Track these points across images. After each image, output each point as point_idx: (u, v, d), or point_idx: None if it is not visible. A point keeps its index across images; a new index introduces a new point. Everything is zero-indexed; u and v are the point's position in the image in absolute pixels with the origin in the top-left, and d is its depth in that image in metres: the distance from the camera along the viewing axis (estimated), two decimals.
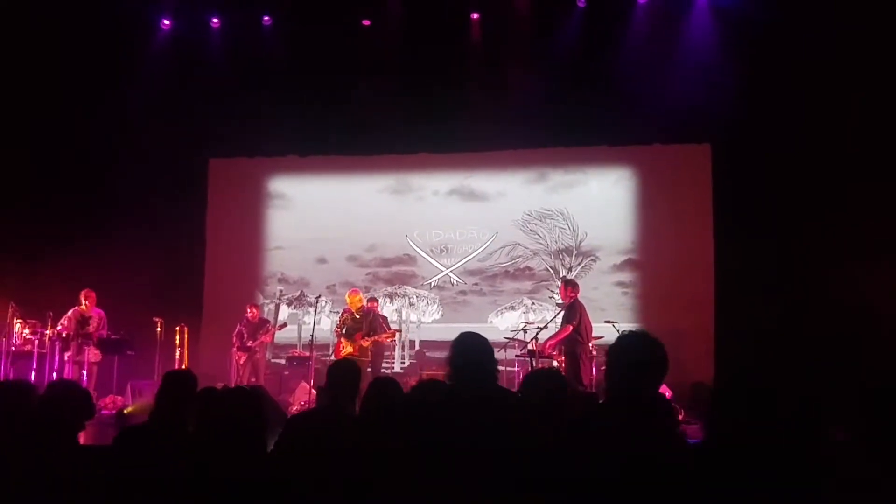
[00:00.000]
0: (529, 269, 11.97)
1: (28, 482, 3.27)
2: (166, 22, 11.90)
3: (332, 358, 9.97)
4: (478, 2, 11.50)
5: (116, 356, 10.65)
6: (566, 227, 11.88)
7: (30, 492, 3.24)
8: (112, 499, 3.32)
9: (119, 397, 10.35)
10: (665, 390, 8.95)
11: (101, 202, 11.86)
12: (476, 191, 12.19)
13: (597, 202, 11.82)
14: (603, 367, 9.75)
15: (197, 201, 12.30)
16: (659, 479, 2.47)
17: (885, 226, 9.81)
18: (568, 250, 11.86)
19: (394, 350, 11.77)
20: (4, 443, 3.40)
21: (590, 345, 9.27)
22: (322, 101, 11.64)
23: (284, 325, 11.32)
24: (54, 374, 10.14)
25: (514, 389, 9.90)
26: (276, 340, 11.52)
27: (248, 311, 10.97)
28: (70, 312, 10.41)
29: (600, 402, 3.03)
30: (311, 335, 10.16)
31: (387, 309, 11.82)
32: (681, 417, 8.88)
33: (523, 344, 9.84)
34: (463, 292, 12.13)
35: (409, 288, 12.18)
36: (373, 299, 10.84)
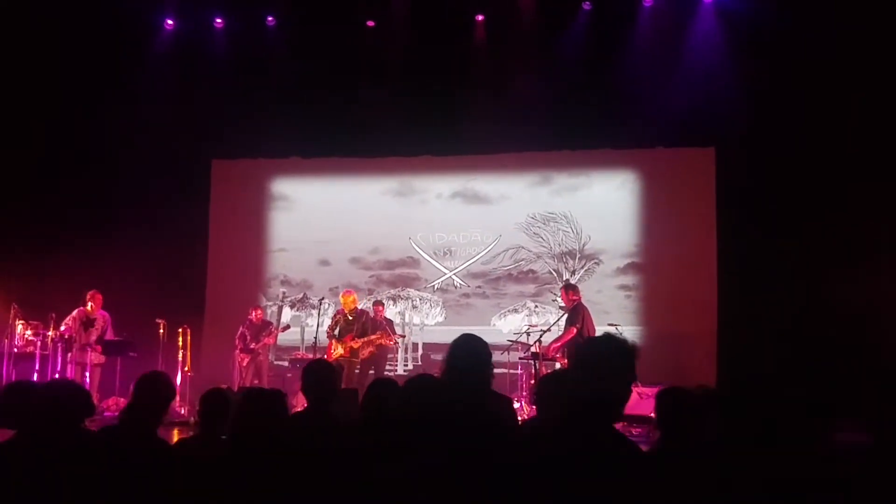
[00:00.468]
0: (533, 272, 11.95)
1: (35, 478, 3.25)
2: (170, 22, 11.91)
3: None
4: (483, 3, 11.49)
5: (119, 358, 10.64)
6: (570, 230, 11.86)
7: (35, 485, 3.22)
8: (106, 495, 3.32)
9: (122, 399, 10.32)
10: None
11: (103, 203, 11.86)
12: (479, 193, 12.17)
13: (600, 205, 11.79)
14: None
15: (199, 202, 12.29)
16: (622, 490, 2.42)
17: (888, 228, 9.79)
18: (571, 253, 11.84)
19: (397, 353, 11.76)
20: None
21: None
22: (326, 102, 11.62)
23: (287, 327, 11.32)
24: (56, 375, 10.12)
25: (516, 391, 9.92)
26: (278, 342, 11.50)
27: (252, 312, 10.98)
28: (74, 313, 10.40)
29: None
30: (315, 337, 10.15)
31: (390, 311, 11.80)
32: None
33: (526, 347, 9.83)
34: (466, 295, 12.11)
35: (413, 290, 12.16)
36: (378, 303, 10.82)
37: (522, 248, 11.97)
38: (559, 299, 10.23)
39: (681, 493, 2.69)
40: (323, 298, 10.76)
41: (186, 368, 10.71)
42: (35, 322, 10.51)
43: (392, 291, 12.17)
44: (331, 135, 11.87)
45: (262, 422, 3.43)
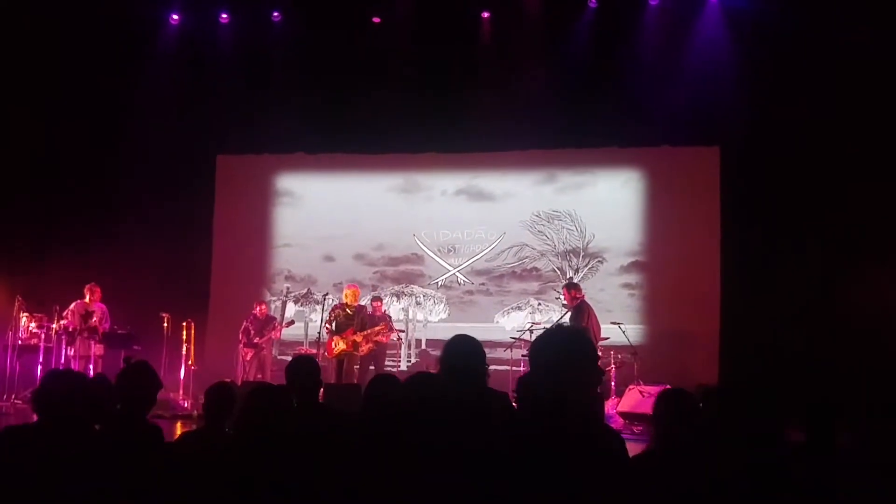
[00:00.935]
0: (536, 269, 11.96)
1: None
2: (175, 17, 11.92)
3: (325, 355, 9.87)
4: (489, 1, 11.48)
5: (123, 351, 10.67)
6: (574, 228, 11.86)
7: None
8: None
9: None
10: None
11: (108, 197, 11.90)
12: (484, 191, 12.18)
13: (605, 204, 11.79)
14: (608, 368, 9.82)
15: (204, 197, 12.32)
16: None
17: (893, 228, 9.77)
18: (575, 251, 11.84)
19: (399, 349, 11.78)
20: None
21: (598, 345, 9.28)
22: (331, 98, 11.64)
23: (291, 322, 11.35)
24: (60, 368, 10.15)
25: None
26: (282, 337, 11.54)
27: (256, 307, 11.01)
28: (73, 306, 10.43)
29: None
30: (318, 333, 10.15)
31: (394, 307, 11.84)
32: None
33: (529, 344, 9.84)
34: (470, 292, 12.13)
35: (417, 287, 12.18)
36: (376, 298, 10.83)
37: (526, 245, 11.98)
38: (562, 297, 10.24)
39: (662, 492, 2.69)
40: (327, 294, 10.75)
41: (190, 362, 10.74)
42: (39, 315, 10.56)
43: (396, 288, 12.18)
44: (336, 131, 11.87)
45: (267, 417, 3.45)
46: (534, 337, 9.61)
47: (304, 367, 4.25)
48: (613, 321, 10.06)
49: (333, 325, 9.95)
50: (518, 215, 11.98)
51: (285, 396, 3.60)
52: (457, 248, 12.21)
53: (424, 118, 11.46)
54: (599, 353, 9.41)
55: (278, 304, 12.31)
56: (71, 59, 11.47)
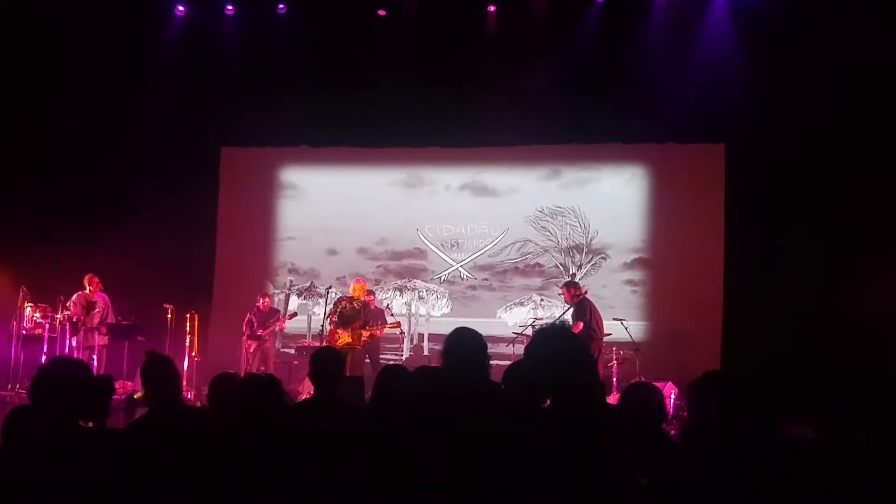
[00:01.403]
0: (539, 265, 11.97)
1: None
2: (181, 8, 11.91)
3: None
4: None
5: (127, 341, 10.72)
6: (577, 224, 11.86)
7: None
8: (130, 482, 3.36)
9: (129, 383, 10.39)
10: (671, 389, 8.98)
11: (112, 188, 11.90)
12: (488, 186, 12.18)
13: (609, 200, 11.78)
14: (610, 364, 9.83)
15: (208, 189, 12.32)
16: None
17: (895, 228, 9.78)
18: (578, 247, 11.84)
19: (402, 343, 11.81)
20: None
21: (601, 341, 9.33)
22: (336, 92, 11.61)
23: (294, 314, 11.37)
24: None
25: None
26: (285, 330, 11.56)
27: (259, 300, 11.04)
28: (75, 297, 10.48)
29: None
30: (321, 326, 10.17)
31: (396, 302, 11.87)
32: (685, 415, 8.89)
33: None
34: (472, 287, 12.14)
35: (419, 282, 12.19)
36: (370, 293, 10.84)
37: (530, 241, 11.98)
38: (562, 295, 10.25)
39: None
40: (330, 287, 10.77)
41: (194, 354, 10.78)
42: (43, 305, 10.60)
43: (399, 282, 12.20)
44: (340, 124, 11.86)
45: (260, 407, 3.48)
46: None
47: (331, 357, 4.29)
48: (616, 317, 10.08)
49: (338, 316, 9.96)
50: (522, 211, 11.98)
51: (275, 387, 3.63)
52: (460, 244, 12.21)
53: (429, 112, 11.45)
54: (601, 350, 9.49)
55: (281, 296, 12.33)
56: (76, 49, 11.47)
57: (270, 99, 11.66)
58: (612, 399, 9.43)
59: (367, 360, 10.09)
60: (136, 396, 9.24)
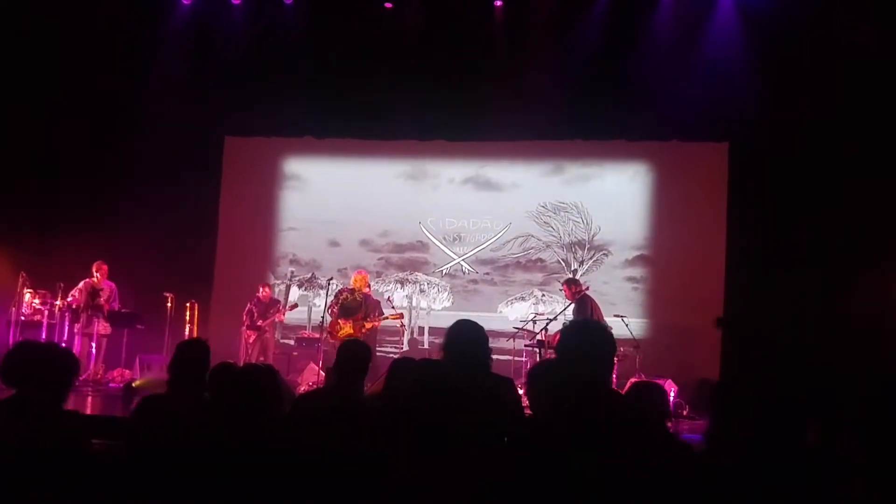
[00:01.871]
0: (541, 260, 11.96)
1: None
2: None
3: (328, 337, 9.90)
4: None
5: (126, 330, 10.72)
6: (580, 220, 11.85)
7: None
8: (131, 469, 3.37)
9: (127, 371, 10.42)
10: (671, 386, 8.99)
11: (115, 175, 11.87)
12: (491, 180, 12.16)
13: (612, 196, 11.77)
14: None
15: (211, 178, 12.29)
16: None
17: None
18: (580, 244, 11.84)
19: (402, 335, 11.80)
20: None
21: None
22: (341, 83, 11.59)
23: (295, 305, 11.34)
24: (63, 345, 10.19)
25: (520, 378, 9.95)
26: (285, 321, 11.56)
27: (260, 290, 11.04)
28: (81, 284, 10.48)
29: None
30: (322, 317, 10.16)
31: (398, 294, 11.87)
32: (685, 413, 8.93)
33: (532, 334, 9.87)
34: (474, 281, 12.13)
35: (421, 275, 12.18)
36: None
37: (532, 236, 11.97)
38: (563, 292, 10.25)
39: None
40: (331, 279, 10.75)
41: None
42: (43, 291, 10.60)
43: (400, 275, 12.19)
44: (344, 116, 11.83)
45: (258, 396, 3.50)
46: (537, 327, 9.65)
47: (360, 351, 4.30)
48: (617, 314, 10.07)
49: (339, 307, 9.97)
50: (524, 206, 11.97)
51: (272, 377, 3.64)
52: (462, 237, 12.20)
53: (434, 106, 11.41)
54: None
55: (282, 287, 12.33)
56: (80, 38, 11.43)
57: (275, 89, 11.63)
58: None
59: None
60: (134, 385, 9.29)
